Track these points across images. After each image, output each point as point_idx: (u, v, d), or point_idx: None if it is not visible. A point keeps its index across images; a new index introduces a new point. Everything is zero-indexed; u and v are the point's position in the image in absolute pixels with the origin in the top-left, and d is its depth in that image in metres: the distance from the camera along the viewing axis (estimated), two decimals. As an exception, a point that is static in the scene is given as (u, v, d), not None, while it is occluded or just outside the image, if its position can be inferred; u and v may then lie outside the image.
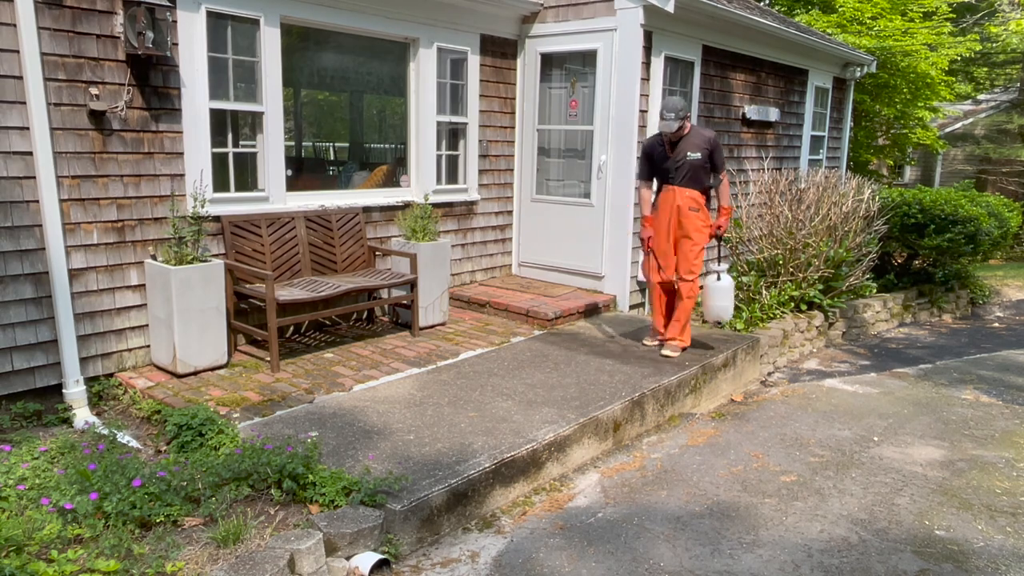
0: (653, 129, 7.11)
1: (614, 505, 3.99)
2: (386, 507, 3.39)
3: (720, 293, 5.76)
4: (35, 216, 4.46)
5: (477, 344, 5.90)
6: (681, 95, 7.53)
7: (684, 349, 5.80)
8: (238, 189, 5.55)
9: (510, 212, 7.76)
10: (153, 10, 4.59)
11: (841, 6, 12.33)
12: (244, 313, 5.56)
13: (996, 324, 9.36)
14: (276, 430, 4.15)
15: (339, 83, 7.36)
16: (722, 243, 5.94)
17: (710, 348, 5.91)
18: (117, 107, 4.71)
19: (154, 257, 4.99)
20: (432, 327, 6.33)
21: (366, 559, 3.20)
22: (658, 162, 5.60)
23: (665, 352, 5.69)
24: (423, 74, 6.67)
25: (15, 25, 4.24)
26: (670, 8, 6.36)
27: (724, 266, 5.79)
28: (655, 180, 5.72)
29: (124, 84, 4.75)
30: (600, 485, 4.23)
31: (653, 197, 5.74)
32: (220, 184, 5.41)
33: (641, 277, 6.80)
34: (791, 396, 5.96)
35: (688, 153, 5.47)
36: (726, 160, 8.46)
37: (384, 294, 6.38)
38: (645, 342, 6.00)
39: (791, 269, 7.38)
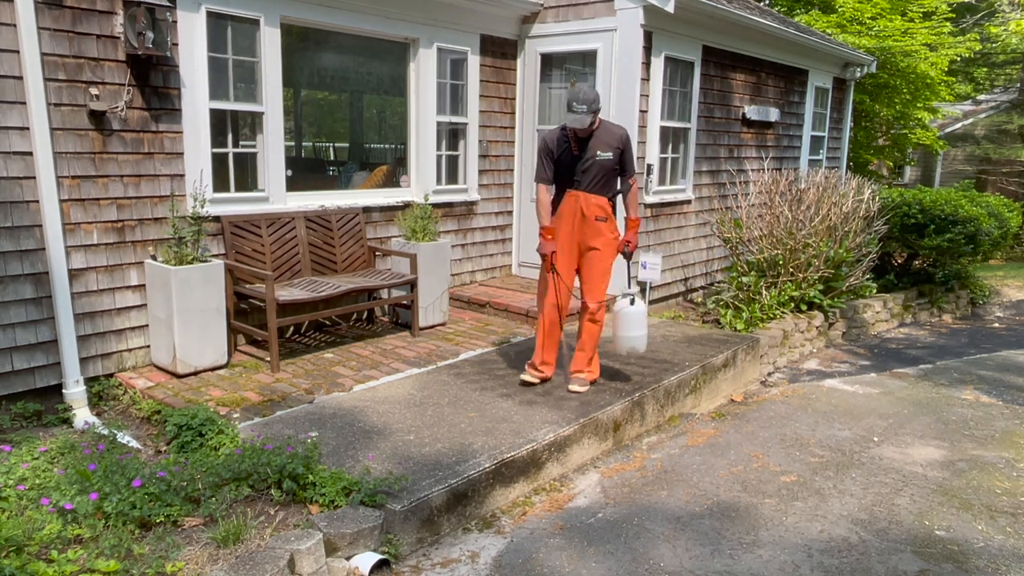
0: (653, 129, 7.12)
1: (614, 505, 3.99)
2: (386, 507, 3.39)
3: (633, 321, 4.86)
4: (35, 216, 4.46)
5: (477, 344, 5.90)
6: (681, 95, 7.53)
7: (593, 383, 4.99)
8: (238, 189, 5.55)
9: (510, 212, 7.75)
10: (153, 10, 4.59)
11: (841, 6, 12.33)
12: (244, 313, 5.56)
13: (996, 324, 9.36)
14: (276, 430, 4.15)
15: (339, 83, 7.37)
16: (631, 263, 5.02)
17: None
18: (117, 107, 4.71)
19: (154, 257, 4.99)
20: (432, 327, 6.33)
21: (366, 559, 3.20)
22: (563, 162, 4.71)
23: (573, 387, 4.85)
24: (423, 74, 6.67)
25: (15, 25, 4.24)
26: (670, 8, 6.37)
27: (635, 289, 4.87)
28: (554, 183, 4.83)
29: (124, 84, 4.75)
30: (600, 485, 4.23)
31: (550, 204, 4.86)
32: (220, 184, 5.41)
33: (643, 276, 6.78)
34: (791, 396, 5.96)
35: (598, 152, 4.62)
36: (727, 160, 8.51)
37: (384, 294, 6.38)
38: (524, 377, 4.96)
39: (791, 269, 7.38)
